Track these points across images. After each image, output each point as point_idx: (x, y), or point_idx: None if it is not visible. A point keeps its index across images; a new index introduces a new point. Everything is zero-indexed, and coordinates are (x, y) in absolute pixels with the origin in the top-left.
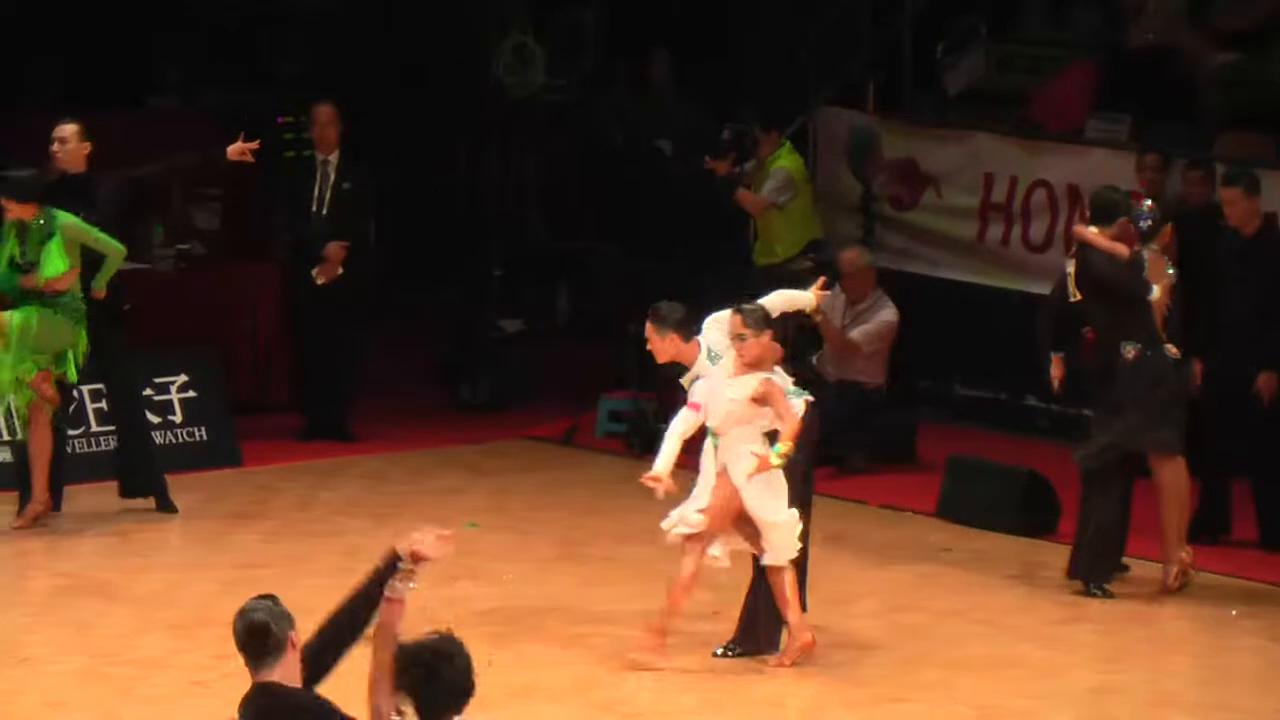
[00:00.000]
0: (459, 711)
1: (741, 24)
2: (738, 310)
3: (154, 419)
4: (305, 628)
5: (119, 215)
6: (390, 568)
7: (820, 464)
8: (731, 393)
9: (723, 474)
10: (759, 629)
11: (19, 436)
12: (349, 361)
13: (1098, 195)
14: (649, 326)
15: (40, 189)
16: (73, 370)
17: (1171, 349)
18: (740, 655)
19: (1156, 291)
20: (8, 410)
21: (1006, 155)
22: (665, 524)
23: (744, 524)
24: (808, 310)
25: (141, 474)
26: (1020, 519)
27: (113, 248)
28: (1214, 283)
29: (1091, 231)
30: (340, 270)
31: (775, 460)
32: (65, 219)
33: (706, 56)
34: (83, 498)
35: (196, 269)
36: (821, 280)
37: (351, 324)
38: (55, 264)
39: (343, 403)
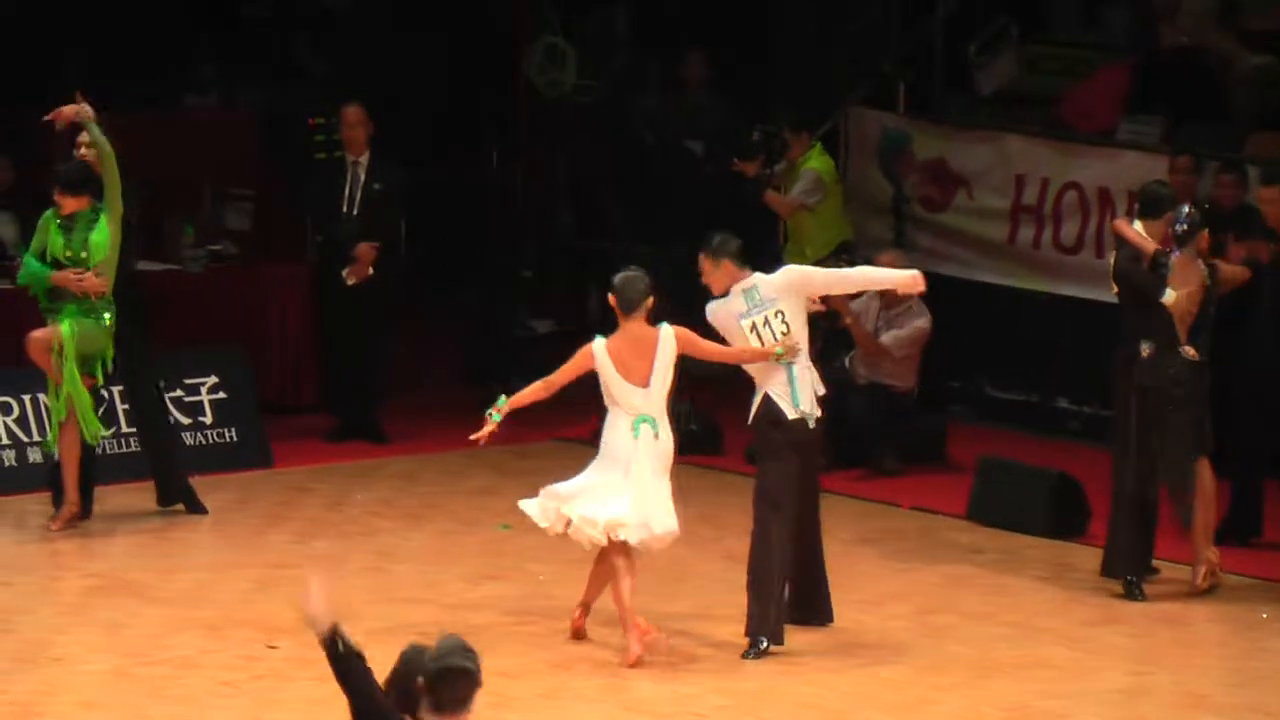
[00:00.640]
0: (466, 706)
1: (774, 25)
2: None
3: (184, 420)
4: None
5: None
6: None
7: (852, 465)
8: None
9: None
10: (819, 600)
11: (50, 440)
12: (379, 362)
13: (1147, 188)
14: (703, 258)
15: (95, 181)
16: (100, 374)
17: (1190, 351)
18: (800, 624)
19: (1171, 295)
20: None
21: (1038, 157)
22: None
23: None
24: (899, 289)
25: (175, 481)
26: (1050, 521)
27: (117, 204)
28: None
29: (1125, 224)
30: (371, 271)
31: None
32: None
33: (743, 58)
34: (114, 498)
35: (226, 270)
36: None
37: (381, 324)
38: (102, 249)
39: (373, 403)
